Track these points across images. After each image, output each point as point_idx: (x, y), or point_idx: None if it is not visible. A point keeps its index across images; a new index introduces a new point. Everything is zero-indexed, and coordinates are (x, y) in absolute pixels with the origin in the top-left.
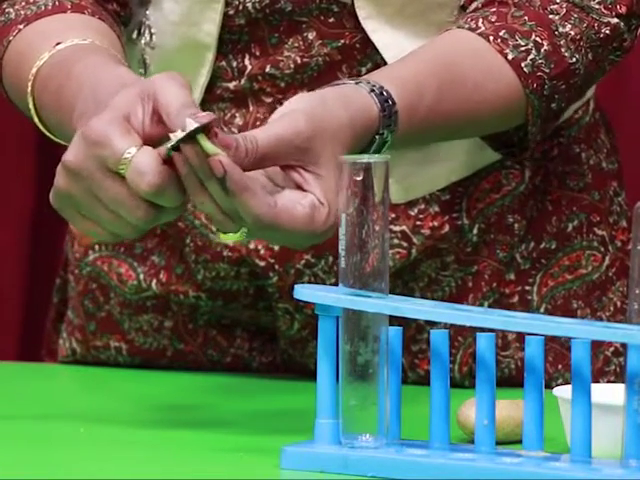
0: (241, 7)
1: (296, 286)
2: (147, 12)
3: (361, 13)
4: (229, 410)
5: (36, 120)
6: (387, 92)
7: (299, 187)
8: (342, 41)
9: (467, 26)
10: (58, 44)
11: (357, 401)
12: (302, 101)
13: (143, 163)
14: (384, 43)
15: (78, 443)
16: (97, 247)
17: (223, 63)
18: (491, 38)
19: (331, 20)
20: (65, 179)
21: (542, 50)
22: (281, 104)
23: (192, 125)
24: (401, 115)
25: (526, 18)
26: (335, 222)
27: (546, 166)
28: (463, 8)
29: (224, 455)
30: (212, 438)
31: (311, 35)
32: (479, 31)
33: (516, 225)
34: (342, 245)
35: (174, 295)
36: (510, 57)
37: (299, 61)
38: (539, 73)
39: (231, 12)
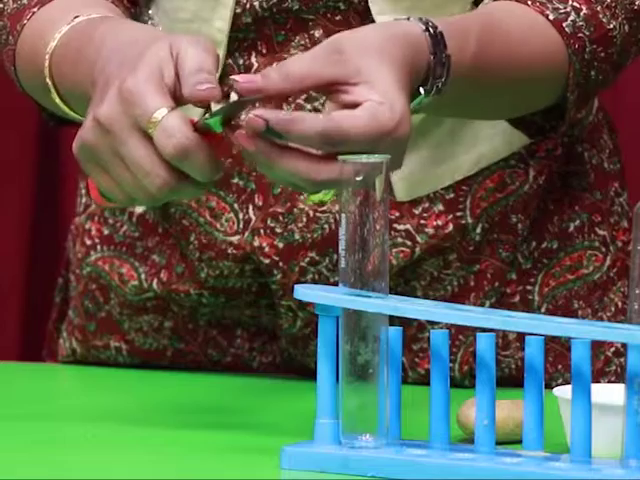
0: (248, 5)
1: (296, 286)
2: (150, 12)
3: (374, 8)
4: (229, 410)
5: (54, 96)
6: (435, 26)
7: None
8: None
9: None
10: (76, 17)
11: (357, 401)
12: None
13: (172, 125)
14: None
15: (78, 443)
16: (99, 247)
17: (230, 61)
18: (529, 2)
19: (338, 18)
20: (93, 132)
21: (581, 14)
22: (287, 102)
23: (234, 98)
24: (450, 39)
25: None
26: (406, 119)
27: (550, 166)
28: (476, 3)
29: (224, 455)
30: (212, 438)
31: (317, 33)
32: None
33: (520, 225)
34: (342, 245)
35: (175, 294)
36: (551, 17)
37: None
38: (580, 34)
39: (238, 10)
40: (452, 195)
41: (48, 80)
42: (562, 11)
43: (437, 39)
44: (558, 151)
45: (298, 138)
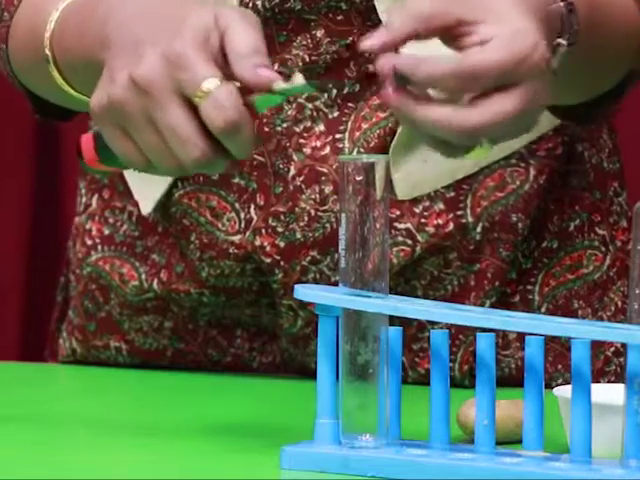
0: (251, 5)
1: (296, 286)
2: None
3: (380, 6)
4: (229, 410)
5: (52, 68)
6: None
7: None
8: (350, 38)
9: None
10: None
11: (357, 401)
12: None
13: (224, 98)
14: None
15: (78, 443)
16: (99, 247)
17: None
18: None
19: (339, 18)
20: (125, 92)
21: None
22: (287, 100)
23: (301, 80)
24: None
25: None
26: (541, 44)
27: (550, 165)
28: None
29: (224, 455)
30: (212, 438)
31: (319, 33)
32: None
33: (520, 224)
34: (342, 244)
35: (175, 294)
36: None
37: (307, 59)
38: None
39: None
40: (452, 194)
41: (47, 51)
42: None
43: (568, 2)
44: (558, 150)
45: (427, 79)
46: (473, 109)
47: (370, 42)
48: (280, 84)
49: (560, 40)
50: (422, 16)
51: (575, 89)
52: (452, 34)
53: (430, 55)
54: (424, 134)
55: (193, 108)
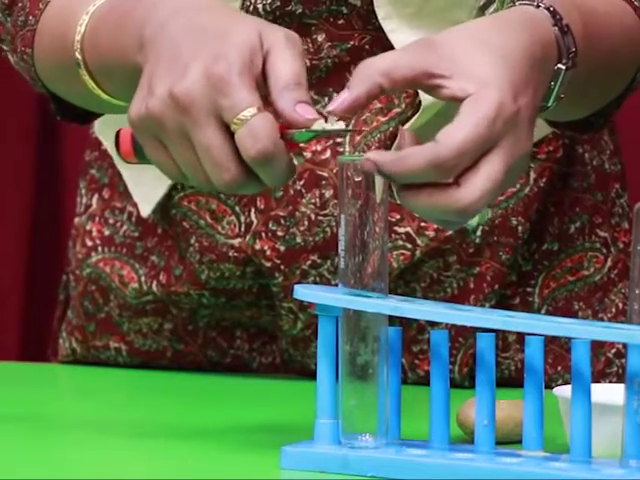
0: (252, 8)
1: (296, 286)
2: None
3: (380, 13)
4: (229, 410)
5: (83, 72)
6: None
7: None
8: (351, 43)
9: None
10: None
11: (357, 401)
12: None
13: (260, 128)
14: (402, 43)
15: (78, 443)
16: (100, 249)
17: None
18: None
19: (340, 22)
20: (165, 107)
21: None
22: None
23: (337, 124)
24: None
25: None
26: (509, 95)
27: (551, 167)
28: (482, 9)
29: (224, 455)
30: (212, 438)
31: (320, 37)
32: None
33: (520, 228)
34: (341, 245)
35: (175, 296)
36: None
37: (308, 63)
38: None
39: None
40: None
41: (78, 54)
42: None
43: (552, 11)
44: (559, 153)
45: (409, 176)
46: (463, 189)
47: (335, 105)
48: (318, 124)
49: (559, 65)
50: (385, 69)
51: (581, 105)
52: (423, 86)
53: (408, 149)
54: (427, 217)
55: (229, 132)
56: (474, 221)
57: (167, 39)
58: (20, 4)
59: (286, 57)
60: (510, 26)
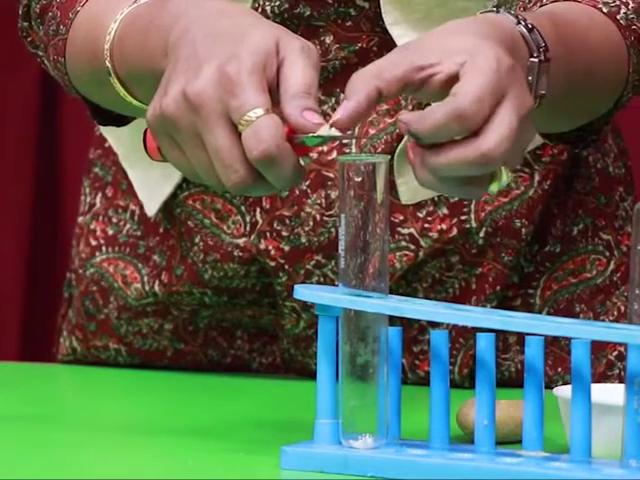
0: (260, 10)
1: (296, 286)
2: None
3: (387, 19)
4: (229, 410)
5: (114, 80)
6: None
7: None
8: (359, 44)
9: None
10: (137, 0)
11: (357, 401)
12: None
13: (265, 129)
14: None
15: (78, 443)
16: (104, 248)
17: None
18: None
19: (348, 24)
20: (177, 107)
21: (630, 6)
22: None
23: (333, 132)
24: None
25: None
26: (504, 58)
27: (555, 170)
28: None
29: (224, 455)
30: (212, 438)
31: (328, 39)
32: None
33: (523, 230)
34: (342, 245)
35: (177, 295)
36: (605, 10)
37: None
38: (633, 27)
39: None
40: (456, 199)
41: (108, 63)
42: (612, 4)
43: (512, 14)
44: (563, 155)
45: (434, 130)
46: (481, 137)
47: (339, 117)
48: (324, 129)
49: (532, 59)
50: (375, 72)
51: (565, 118)
52: (417, 82)
53: (430, 107)
54: (447, 184)
55: (239, 134)
56: (494, 187)
57: (188, 43)
58: (51, 13)
59: (300, 66)
60: (477, 22)
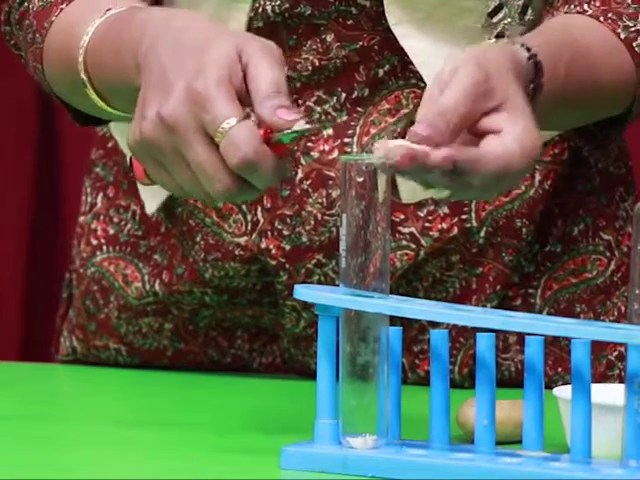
0: (261, 10)
1: (296, 286)
2: None
3: (391, 19)
4: (229, 410)
5: (90, 91)
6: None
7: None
8: (360, 43)
9: (575, 10)
10: (108, 10)
11: (357, 401)
12: (460, 56)
13: (240, 137)
14: (413, 48)
15: (78, 443)
16: (105, 248)
17: None
18: (601, 19)
19: (349, 22)
20: (155, 130)
21: None
22: (297, 104)
23: (303, 126)
24: (546, 69)
25: (629, 1)
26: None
27: (556, 170)
28: (490, 15)
29: (224, 455)
30: (212, 438)
31: (329, 37)
32: (588, 13)
33: (524, 229)
34: (343, 245)
35: (177, 294)
36: (622, 36)
37: (317, 63)
38: None
39: (251, 15)
40: None
41: (83, 75)
42: (632, 29)
43: (537, 67)
44: (564, 155)
45: (481, 177)
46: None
47: (423, 130)
48: (299, 124)
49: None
50: (455, 122)
51: (567, 121)
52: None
53: (478, 152)
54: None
55: (217, 145)
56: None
57: (155, 60)
58: (27, 21)
59: (264, 67)
60: (519, 67)
